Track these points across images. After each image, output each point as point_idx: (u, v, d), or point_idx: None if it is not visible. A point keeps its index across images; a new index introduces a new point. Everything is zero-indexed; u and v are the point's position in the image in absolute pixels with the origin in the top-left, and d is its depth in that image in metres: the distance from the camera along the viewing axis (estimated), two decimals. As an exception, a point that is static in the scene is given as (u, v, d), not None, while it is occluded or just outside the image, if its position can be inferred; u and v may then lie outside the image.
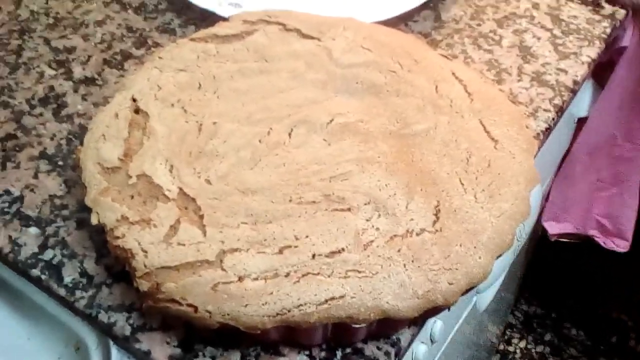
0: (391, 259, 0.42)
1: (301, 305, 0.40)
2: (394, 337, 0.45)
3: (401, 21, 0.65)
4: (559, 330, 1.44)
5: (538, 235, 0.94)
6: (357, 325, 0.42)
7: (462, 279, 0.42)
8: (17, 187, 0.52)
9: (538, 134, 0.57)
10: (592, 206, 0.83)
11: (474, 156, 0.48)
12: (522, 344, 1.43)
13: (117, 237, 0.43)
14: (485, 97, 0.52)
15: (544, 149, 0.67)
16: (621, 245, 0.83)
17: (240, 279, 0.41)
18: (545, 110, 0.58)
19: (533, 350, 1.42)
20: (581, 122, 0.79)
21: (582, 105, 0.77)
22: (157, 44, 0.64)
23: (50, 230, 0.50)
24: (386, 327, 0.44)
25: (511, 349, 1.42)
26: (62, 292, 0.47)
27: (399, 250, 0.42)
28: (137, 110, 0.50)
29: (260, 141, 0.48)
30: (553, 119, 0.58)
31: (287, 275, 0.41)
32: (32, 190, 0.52)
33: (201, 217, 0.44)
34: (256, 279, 0.41)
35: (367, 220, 0.44)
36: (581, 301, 1.46)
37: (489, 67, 0.61)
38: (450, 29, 0.65)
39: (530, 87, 0.60)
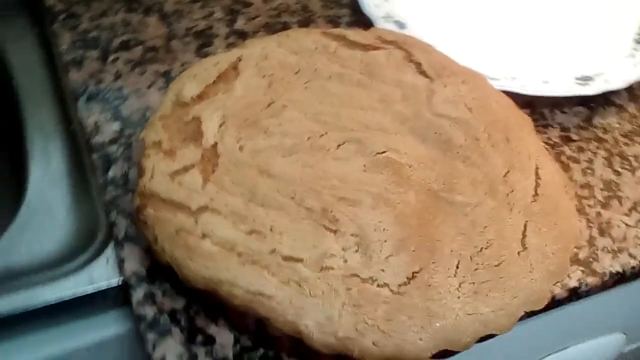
0: (336, 292, 0.42)
1: (233, 284, 0.42)
2: (317, 367, 0.44)
3: (547, 105, 0.62)
4: None
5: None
6: (273, 332, 0.42)
7: (390, 347, 0.41)
8: (129, 91, 0.60)
9: (605, 273, 0.51)
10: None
11: (490, 250, 0.45)
12: None
13: (144, 156, 0.49)
14: (551, 204, 0.48)
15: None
16: None
17: (203, 236, 0.44)
18: (631, 255, 0.52)
19: None
20: None
21: None
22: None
23: (127, 131, 0.56)
24: (308, 351, 0.44)
25: None
26: (100, 181, 0.53)
27: (348, 289, 0.42)
28: (235, 68, 0.54)
29: (308, 139, 0.49)
30: (633, 267, 0.51)
31: (240, 255, 0.43)
32: (138, 97, 0.59)
33: (213, 172, 0.47)
34: (215, 243, 0.43)
35: (343, 249, 0.44)
36: None
37: (604, 188, 0.56)
38: (592, 134, 0.60)
39: (634, 226, 0.53)
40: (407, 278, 0.43)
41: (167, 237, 0.44)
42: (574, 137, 0.60)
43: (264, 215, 0.45)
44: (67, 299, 0.49)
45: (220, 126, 0.50)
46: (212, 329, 0.46)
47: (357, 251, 0.43)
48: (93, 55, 0.62)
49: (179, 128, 0.50)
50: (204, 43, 0.65)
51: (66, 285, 0.49)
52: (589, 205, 0.55)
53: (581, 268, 0.51)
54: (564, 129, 0.60)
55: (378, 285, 0.42)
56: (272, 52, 0.56)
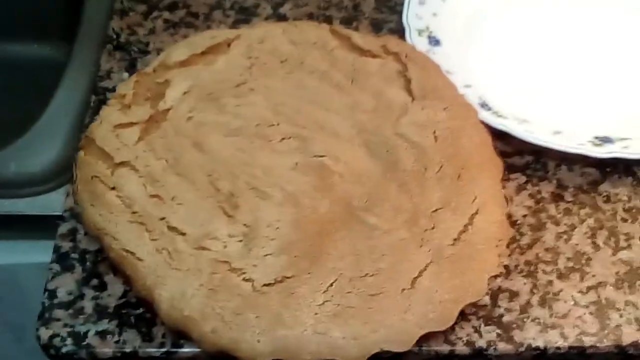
0: (200, 272, 0.43)
1: (113, 238, 0.44)
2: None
3: (557, 158, 0.56)
4: None
5: None
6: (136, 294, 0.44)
7: (226, 340, 0.41)
8: (152, 48, 0.63)
9: (523, 344, 0.46)
10: None
11: (374, 278, 0.43)
12: None
13: (107, 104, 0.52)
14: (468, 253, 0.45)
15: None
16: None
17: (113, 188, 0.46)
18: (563, 335, 0.47)
19: None
20: None
21: None
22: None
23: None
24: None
25: None
26: (87, 121, 0.57)
27: (213, 273, 0.43)
28: (229, 44, 0.56)
29: (257, 125, 0.50)
30: (558, 347, 0.46)
31: (134, 213, 0.45)
32: (158, 52, 0.62)
33: (151, 133, 0.49)
34: (118, 197, 0.46)
35: (230, 236, 0.44)
36: None
37: (572, 259, 0.50)
38: (591, 200, 0.54)
39: (584, 306, 0.48)
40: (276, 280, 0.43)
41: (83, 180, 0.47)
42: (568, 197, 0.54)
43: (174, 184, 0.46)
44: (18, 214, 0.54)
45: (183, 94, 0.52)
46: (109, 278, 0.48)
47: (240, 241, 0.44)
48: (139, 9, 0.67)
49: (150, 87, 0.53)
50: (242, 19, 0.67)
51: (22, 204, 0.55)
52: (544, 271, 0.50)
53: (499, 330, 0.47)
54: (561, 186, 0.55)
55: (244, 279, 0.43)
56: (272, 38, 0.56)
